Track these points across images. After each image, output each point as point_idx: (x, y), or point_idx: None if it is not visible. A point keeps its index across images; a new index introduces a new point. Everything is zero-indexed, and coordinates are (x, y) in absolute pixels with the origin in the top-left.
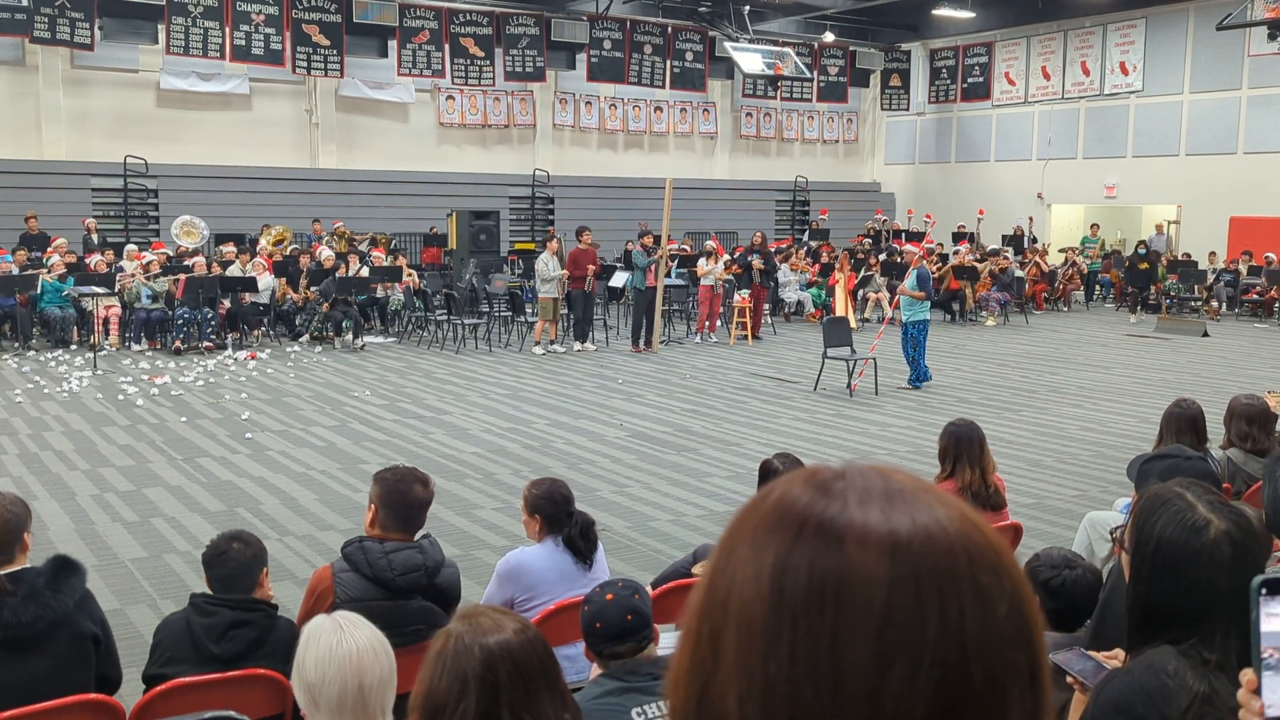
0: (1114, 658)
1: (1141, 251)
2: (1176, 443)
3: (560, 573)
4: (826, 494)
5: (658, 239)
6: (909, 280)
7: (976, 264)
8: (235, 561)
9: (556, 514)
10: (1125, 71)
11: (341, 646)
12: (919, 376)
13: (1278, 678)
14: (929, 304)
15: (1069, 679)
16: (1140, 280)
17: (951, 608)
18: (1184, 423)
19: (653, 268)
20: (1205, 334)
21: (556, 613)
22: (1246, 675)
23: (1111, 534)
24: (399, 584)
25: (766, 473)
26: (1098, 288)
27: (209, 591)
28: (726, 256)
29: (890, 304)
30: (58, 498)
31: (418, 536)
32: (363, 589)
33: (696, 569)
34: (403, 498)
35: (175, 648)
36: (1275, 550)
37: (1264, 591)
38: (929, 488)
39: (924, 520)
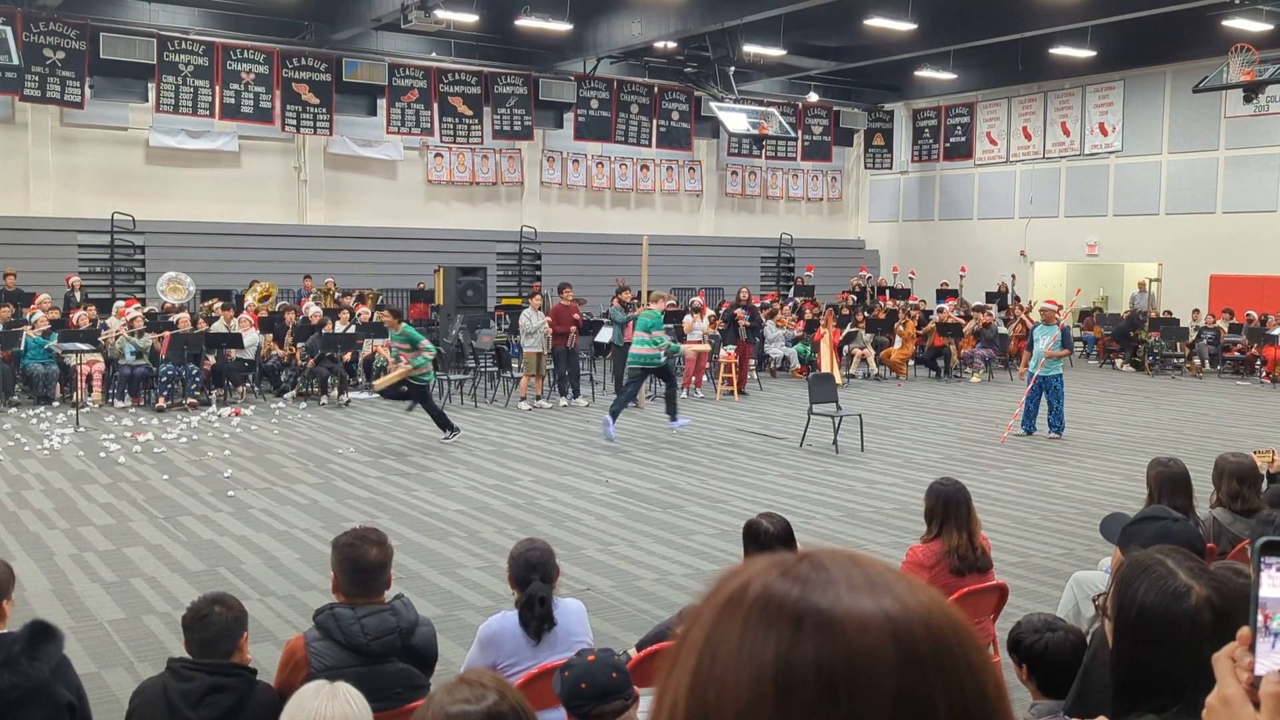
0: None
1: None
2: (1162, 501)
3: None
4: (814, 585)
5: (638, 295)
6: (1054, 341)
7: (961, 321)
8: (216, 625)
9: (524, 577)
10: (1105, 132)
11: (326, 710)
12: (1060, 424)
13: (1271, 639)
14: (1059, 360)
15: None
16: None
17: (955, 687)
18: (1179, 482)
19: (631, 323)
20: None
21: (539, 676)
22: (1242, 631)
23: (1095, 600)
24: (374, 648)
25: (753, 533)
26: (1082, 344)
27: (187, 655)
28: (710, 313)
29: (1025, 360)
30: (35, 557)
31: (390, 597)
32: (337, 656)
33: None
34: (355, 563)
35: (151, 714)
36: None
37: (1264, 554)
38: (899, 572)
39: (913, 604)
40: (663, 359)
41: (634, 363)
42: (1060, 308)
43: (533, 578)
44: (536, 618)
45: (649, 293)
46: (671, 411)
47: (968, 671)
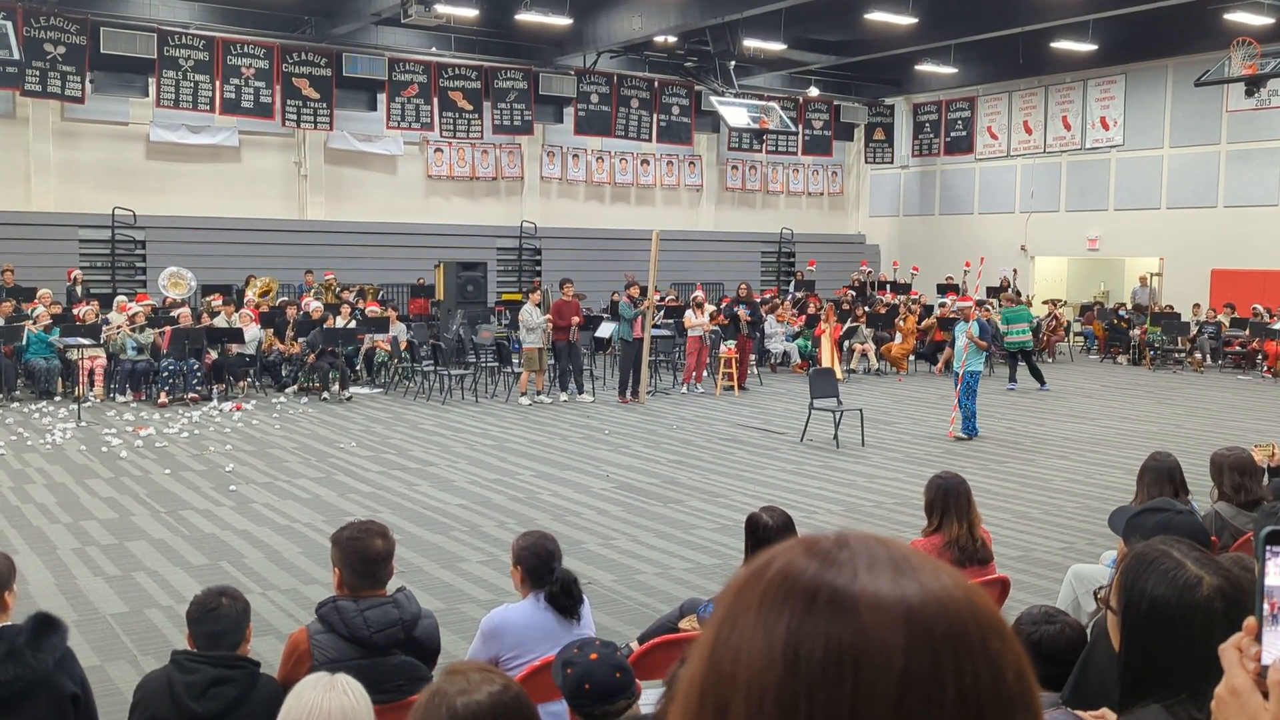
0: (1101, 718)
1: (1122, 313)
2: (1158, 495)
3: (544, 630)
4: (833, 563)
5: (644, 290)
6: (973, 329)
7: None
8: (223, 618)
9: (539, 569)
10: (1106, 126)
11: (323, 702)
12: (972, 425)
13: (1278, 628)
14: (984, 355)
15: None
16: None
17: (967, 672)
18: (1161, 474)
19: (639, 319)
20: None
21: (542, 669)
22: (1248, 621)
23: (1095, 594)
24: (376, 641)
25: (754, 526)
26: (1082, 339)
27: (190, 648)
28: (711, 308)
29: (946, 357)
30: (39, 551)
31: (393, 589)
32: (340, 649)
33: (684, 623)
34: (362, 555)
35: (155, 706)
36: None
37: (1269, 543)
38: (927, 556)
39: (933, 587)
40: (1030, 343)
41: (1008, 347)
42: (975, 303)
43: (554, 565)
44: (575, 599)
45: (654, 288)
46: (1038, 378)
47: (984, 656)
